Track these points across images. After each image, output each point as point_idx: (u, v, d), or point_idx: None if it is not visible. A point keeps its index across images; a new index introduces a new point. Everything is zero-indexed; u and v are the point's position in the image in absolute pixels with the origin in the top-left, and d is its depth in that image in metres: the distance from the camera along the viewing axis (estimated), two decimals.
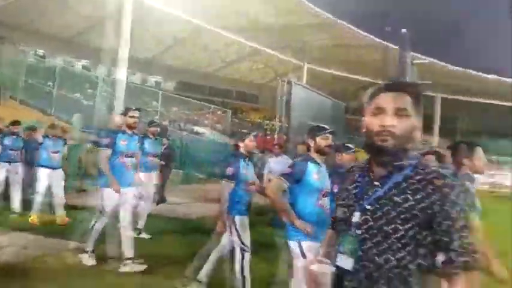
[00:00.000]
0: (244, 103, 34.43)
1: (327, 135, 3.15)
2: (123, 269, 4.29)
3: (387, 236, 1.27)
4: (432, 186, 1.27)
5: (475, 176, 3.07)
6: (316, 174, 3.08)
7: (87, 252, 4.47)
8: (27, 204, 6.63)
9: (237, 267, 3.65)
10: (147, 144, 5.89)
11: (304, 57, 27.45)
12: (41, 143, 6.65)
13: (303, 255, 2.95)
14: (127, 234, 4.44)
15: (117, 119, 5.19)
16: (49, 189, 6.37)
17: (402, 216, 1.26)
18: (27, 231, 5.54)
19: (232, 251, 3.82)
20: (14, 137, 6.89)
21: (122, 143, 4.55)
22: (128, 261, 4.33)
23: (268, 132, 21.78)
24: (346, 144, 4.49)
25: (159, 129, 6.55)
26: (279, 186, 3.08)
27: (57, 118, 13.54)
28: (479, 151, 3.05)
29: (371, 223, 1.31)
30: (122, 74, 15.55)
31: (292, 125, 9.67)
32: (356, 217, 1.36)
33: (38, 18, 21.78)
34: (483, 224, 2.81)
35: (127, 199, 4.49)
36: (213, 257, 3.84)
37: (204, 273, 3.80)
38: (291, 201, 3.09)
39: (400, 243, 1.26)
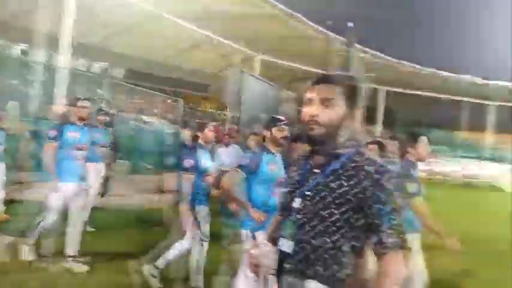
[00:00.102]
0: (196, 93, 33.95)
1: (283, 126, 3.20)
2: (66, 265, 4.12)
3: (323, 220, 1.35)
4: (364, 172, 1.35)
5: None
6: (271, 165, 3.15)
7: (28, 246, 4.23)
8: None
9: (195, 256, 3.68)
10: (95, 134, 5.64)
11: (258, 47, 27.50)
12: None
13: None
14: (74, 232, 4.24)
15: (63, 108, 4.92)
16: None
17: (337, 201, 1.34)
18: None
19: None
20: None
21: (71, 135, 4.31)
22: (71, 259, 4.16)
23: (220, 122, 21.73)
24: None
25: (107, 117, 6.31)
26: (234, 178, 3.14)
27: None
28: (423, 140, 3.29)
29: (310, 208, 1.39)
30: (64, 59, 14.72)
31: (243, 116, 9.69)
32: (296, 203, 1.43)
33: None
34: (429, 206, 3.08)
35: (77, 194, 4.28)
36: (176, 251, 3.75)
37: (161, 262, 3.71)
38: (246, 191, 3.14)
39: (335, 226, 1.34)
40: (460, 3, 59.18)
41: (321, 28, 25.90)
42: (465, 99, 38.73)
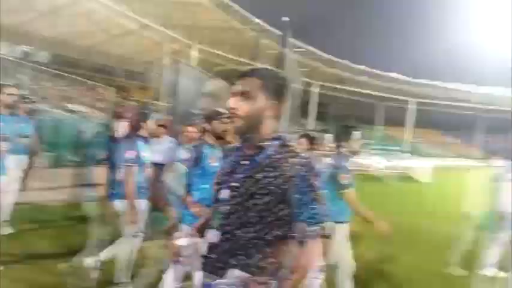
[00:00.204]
0: (129, 81, 32.56)
1: (225, 119, 3.13)
2: None
3: (248, 210, 1.40)
4: (288, 164, 1.41)
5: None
6: (212, 158, 3.10)
7: None
8: None
9: (127, 251, 3.57)
10: (18, 123, 5.23)
11: (195, 37, 27.04)
12: None
13: None
14: None
15: None
16: None
17: (261, 191, 1.40)
18: None
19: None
20: None
21: None
22: None
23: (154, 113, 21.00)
24: None
25: (30, 106, 5.89)
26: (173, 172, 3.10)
27: None
28: (356, 135, 3.49)
29: (236, 199, 1.43)
30: None
31: (178, 107, 9.55)
32: (224, 194, 1.47)
33: None
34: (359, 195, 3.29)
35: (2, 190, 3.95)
36: (122, 246, 3.62)
37: (105, 255, 3.58)
38: (188, 184, 3.11)
39: (259, 216, 1.39)
40: (392, 2, 63.05)
41: (257, 20, 26.16)
42: (387, 95, 41.67)
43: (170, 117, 10.03)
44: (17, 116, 5.22)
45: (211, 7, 23.55)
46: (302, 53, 29.99)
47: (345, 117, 35.60)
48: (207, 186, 3.07)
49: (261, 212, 1.39)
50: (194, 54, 27.82)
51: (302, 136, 3.97)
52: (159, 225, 3.74)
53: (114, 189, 3.68)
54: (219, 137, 3.18)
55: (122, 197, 3.54)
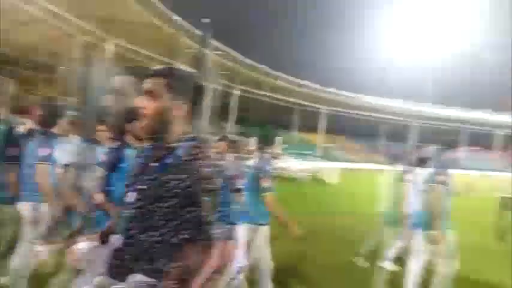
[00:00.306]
0: (35, 74, 29.67)
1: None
2: None
3: (153, 214, 1.37)
4: (194, 167, 1.38)
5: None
6: (132, 160, 2.97)
7: None
8: None
9: (22, 258, 3.26)
10: None
11: (111, 30, 25.63)
12: None
13: None
14: None
15: None
16: None
17: (168, 194, 1.36)
18: None
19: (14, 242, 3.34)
20: None
21: None
22: None
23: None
24: None
25: None
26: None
27: None
28: (279, 140, 3.65)
29: (141, 203, 1.39)
30: None
31: (90, 104, 8.96)
32: (130, 197, 1.42)
33: None
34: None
35: None
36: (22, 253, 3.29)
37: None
38: (107, 188, 2.92)
39: (164, 220, 1.36)
40: (310, 15, 66.59)
41: (177, 18, 25.71)
42: (301, 102, 44.01)
43: (80, 114, 9.39)
44: None
45: (129, 0, 22.54)
46: (223, 55, 30.17)
47: (264, 121, 36.63)
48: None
49: (167, 215, 1.36)
50: (109, 48, 26.33)
51: (221, 139, 4.02)
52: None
53: (20, 190, 3.33)
54: (140, 138, 3.04)
55: (28, 198, 3.26)
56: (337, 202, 12.18)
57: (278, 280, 3.81)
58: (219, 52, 29.22)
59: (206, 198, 1.37)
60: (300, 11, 69.51)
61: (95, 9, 23.26)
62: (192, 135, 1.47)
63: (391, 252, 4.56)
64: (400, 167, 4.68)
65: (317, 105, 45.30)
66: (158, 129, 1.43)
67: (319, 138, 44.40)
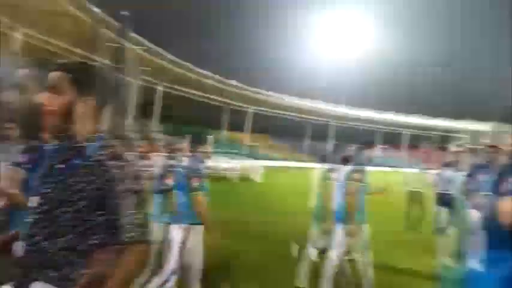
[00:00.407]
0: None
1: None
2: None
3: (57, 219, 1.27)
4: (104, 167, 1.29)
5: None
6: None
7: None
8: None
9: None
10: None
11: (21, 19, 23.27)
12: None
13: None
14: None
15: None
16: None
17: (72, 198, 1.27)
18: None
19: None
20: None
21: None
22: None
23: None
24: None
25: None
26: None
27: None
28: (210, 139, 3.64)
29: (45, 207, 1.29)
30: None
31: None
32: (33, 201, 1.32)
33: None
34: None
35: None
36: None
37: None
38: (28, 189, 2.66)
39: (69, 225, 1.27)
40: (237, 14, 67.17)
41: (96, 9, 24.26)
42: (227, 101, 44.27)
43: None
44: None
45: None
46: (146, 50, 29.07)
47: (190, 119, 36.07)
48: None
49: (73, 221, 1.26)
50: (18, 38, 23.92)
51: (143, 138, 3.90)
52: None
53: None
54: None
55: None
56: (267, 200, 12.42)
57: (207, 279, 3.78)
58: (143, 47, 28.16)
59: (122, 201, 1.28)
60: (223, 10, 69.92)
61: None
62: (101, 134, 1.37)
63: (318, 242, 4.77)
64: (326, 166, 4.92)
65: (244, 105, 45.89)
66: (63, 128, 1.32)
67: (245, 138, 44.98)
